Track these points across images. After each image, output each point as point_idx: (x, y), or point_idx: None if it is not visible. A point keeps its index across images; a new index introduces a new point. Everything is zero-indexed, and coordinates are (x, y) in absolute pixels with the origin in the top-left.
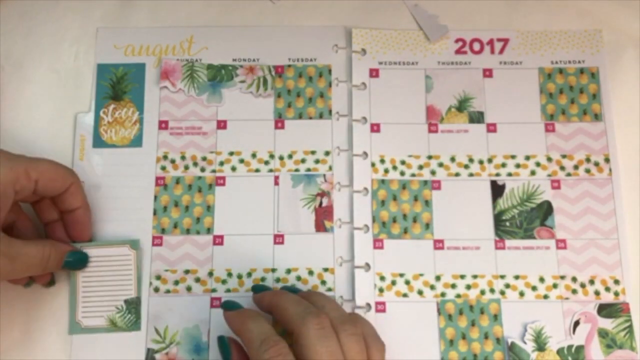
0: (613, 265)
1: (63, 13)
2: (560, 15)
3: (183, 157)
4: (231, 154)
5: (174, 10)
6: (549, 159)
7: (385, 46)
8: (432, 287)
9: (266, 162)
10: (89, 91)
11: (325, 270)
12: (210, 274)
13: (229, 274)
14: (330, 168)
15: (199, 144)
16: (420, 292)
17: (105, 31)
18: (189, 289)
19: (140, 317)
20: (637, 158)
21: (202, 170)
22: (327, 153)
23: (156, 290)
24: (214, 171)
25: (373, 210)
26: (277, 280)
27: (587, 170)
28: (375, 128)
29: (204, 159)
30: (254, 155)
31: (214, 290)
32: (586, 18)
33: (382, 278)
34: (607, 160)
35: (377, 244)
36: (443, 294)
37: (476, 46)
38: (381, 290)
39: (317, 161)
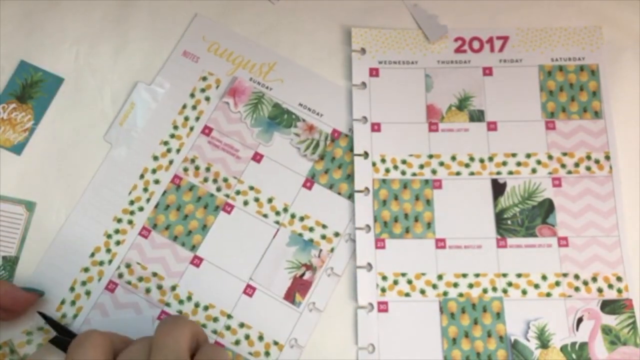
0: (615, 262)
1: (63, 13)
2: (560, 13)
3: (208, 169)
4: (251, 188)
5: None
6: (550, 157)
7: (384, 45)
8: (435, 286)
9: (277, 213)
10: None
11: (275, 343)
12: (173, 288)
13: (189, 298)
14: (332, 250)
15: (228, 164)
16: (422, 292)
17: (201, 20)
18: (148, 290)
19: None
20: (637, 155)
21: (218, 190)
22: (336, 234)
23: (120, 276)
24: (227, 195)
25: (374, 210)
26: (228, 327)
27: (588, 168)
28: (375, 127)
29: (225, 180)
30: (270, 200)
31: (167, 305)
32: (586, 15)
33: (384, 278)
34: (607, 157)
35: (379, 243)
36: (445, 293)
37: (476, 45)
38: (383, 290)
39: (323, 236)
